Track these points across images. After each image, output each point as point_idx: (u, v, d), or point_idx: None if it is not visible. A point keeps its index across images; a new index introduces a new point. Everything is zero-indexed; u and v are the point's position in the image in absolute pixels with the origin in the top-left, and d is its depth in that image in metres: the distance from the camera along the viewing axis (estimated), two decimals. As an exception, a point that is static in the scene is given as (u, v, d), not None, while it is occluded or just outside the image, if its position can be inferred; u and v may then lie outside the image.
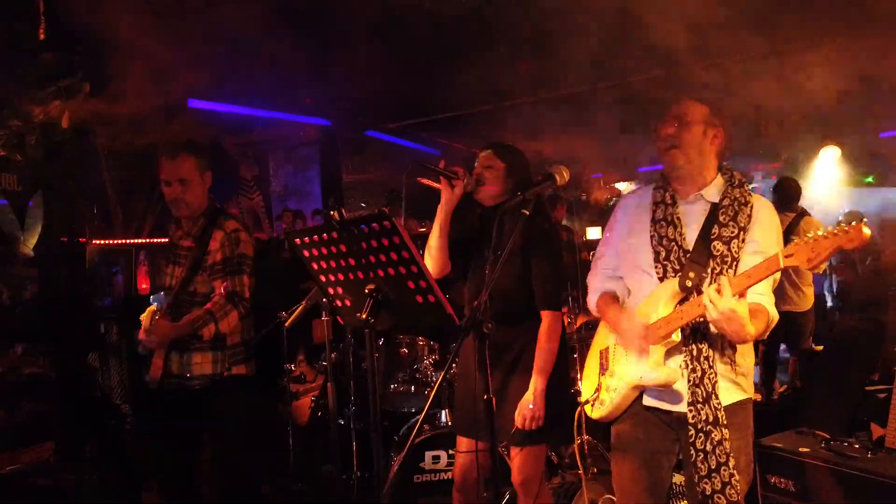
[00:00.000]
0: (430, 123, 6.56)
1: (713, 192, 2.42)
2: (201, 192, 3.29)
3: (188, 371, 3.19)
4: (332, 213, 2.29)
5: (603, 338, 2.67)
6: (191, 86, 4.81)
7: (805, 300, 6.03)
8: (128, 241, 5.96)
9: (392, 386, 4.25)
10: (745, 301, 2.09)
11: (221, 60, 4.59)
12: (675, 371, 2.32)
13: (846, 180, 10.13)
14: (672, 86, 6.10)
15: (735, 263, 2.29)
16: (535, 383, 2.91)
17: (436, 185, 3.04)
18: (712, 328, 2.30)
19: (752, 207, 2.35)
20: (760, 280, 2.09)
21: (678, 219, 2.43)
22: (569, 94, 5.57)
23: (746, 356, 2.41)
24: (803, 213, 5.96)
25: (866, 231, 1.88)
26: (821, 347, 5.76)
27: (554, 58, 5.24)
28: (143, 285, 6.28)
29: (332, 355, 4.87)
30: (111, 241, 5.86)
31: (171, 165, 3.20)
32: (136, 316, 3.40)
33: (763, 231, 2.34)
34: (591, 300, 2.67)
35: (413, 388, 4.25)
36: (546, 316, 2.98)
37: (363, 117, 6.44)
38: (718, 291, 2.06)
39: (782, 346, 6.61)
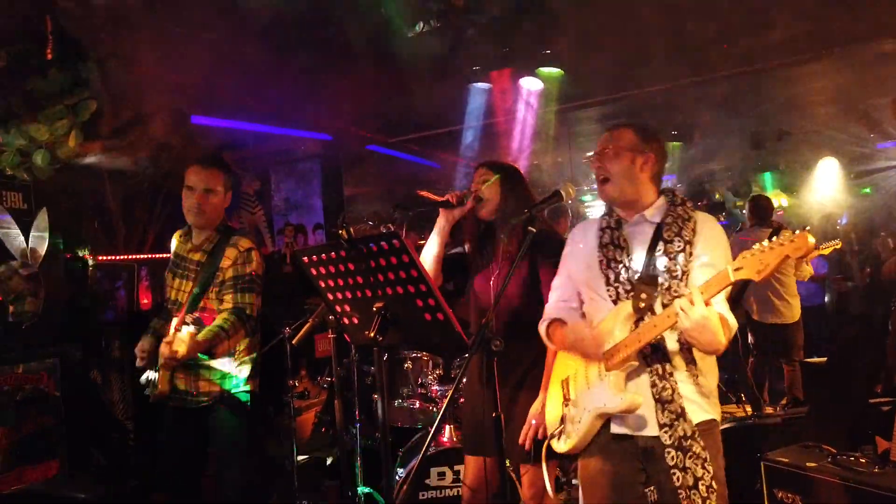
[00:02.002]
0: (430, 138, 6.60)
1: (655, 212, 2.45)
2: (220, 207, 3.29)
3: (195, 388, 3.19)
4: (340, 231, 2.31)
5: (563, 368, 2.62)
6: (193, 102, 4.83)
7: (792, 311, 6.11)
8: (130, 256, 5.96)
9: (396, 401, 4.25)
10: (713, 309, 2.11)
11: (222, 77, 4.61)
12: (637, 396, 2.28)
13: (844, 191, 10.20)
14: (670, 100, 6.15)
15: (685, 276, 2.31)
16: (543, 397, 2.91)
17: (439, 198, 3.08)
18: (672, 346, 2.31)
19: (694, 222, 2.39)
20: (714, 294, 2.10)
21: (625, 241, 2.45)
22: (564, 108, 5.61)
23: (709, 376, 2.38)
24: (779, 228, 6.05)
25: (811, 240, 1.93)
26: (823, 359, 5.77)
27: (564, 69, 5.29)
28: (145, 300, 6.29)
29: (337, 370, 4.90)
30: (114, 257, 5.87)
31: (203, 173, 3.21)
32: (137, 331, 3.41)
33: (708, 243, 2.36)
34: (541, 327, 2.64)
35: (417, 403, 4.25)
36: None
37: (364, 131, 6.47)
38: (690, 301, 2.06)
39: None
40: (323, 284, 2.52)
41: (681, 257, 2.33)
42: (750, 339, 6.67)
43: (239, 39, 4.49)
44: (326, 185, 7.12)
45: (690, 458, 2.22)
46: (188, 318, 3.04)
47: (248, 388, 3.27)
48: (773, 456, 3.37)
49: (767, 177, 11.09)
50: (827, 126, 8.27)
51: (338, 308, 2.55)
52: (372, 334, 2.35)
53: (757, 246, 2.02)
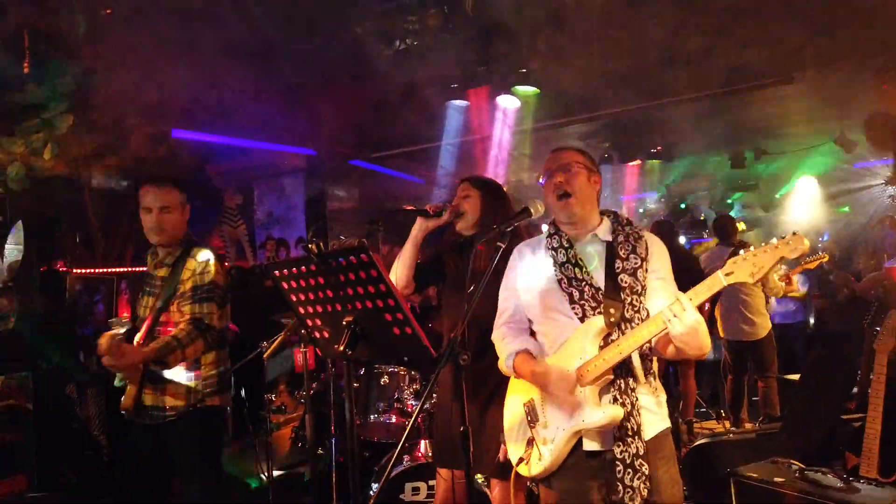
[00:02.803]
0: (413, 153, 6.64)
1: (605, 231, 2.52)
2: (180, 222, 3.33)
3: (161, 402, 3.18)
4: (310, 245, 2.33)
5: (525, 390, 2.58)
6: (174, 116, 4.85)
7: (757, 328, 6.21)
8: (109, 269, 5.93)
9: (372, 416, 4.24)
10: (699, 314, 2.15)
11: (204, 92, 4.64)
12: (618, 409, 2.29)
13: (822, 210, 10.36)
14: (650, 119, 6.25)
15: (643, 291, 2.38)
16: None
17: (419, 208, 3.13)
18: (634, 360, 2.36)
19: (646, 240, 2.48)
20: (703, 300, 2.15)
21: (581, 259, 2.48)
22: (543, 126, 5.69)
23: (660, 386, 2.46)
24: (742, 245, 6.15)
25: (806, 241, 1.98)
26: (797, 376, 5.82)
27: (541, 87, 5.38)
28: (124, 314, 6.25)
29: (313, 385, 4.89)
30: (93, 270, 5.84)
31: (156, 192, 3.26)
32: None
33: (660, 260, 2.46)
34: (507, 363, 2.57)
35: (393, 418, 4.24)
36: None
37: (347, 147, 6.51)
38: (682, 307, 2.10)
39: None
40: (294, 298, 2.54)
41: (639, 273, 2.39)
42: (725, 355, 6.75)
43: (222, 55, 4.52)
44: (309, 200, 7.13)
45: (639, 478, 2.25)
46: (116, 323, 3.02)
47: (215, 402, 3.25)
48: (743, 471, 3.39)
49: (738, 196, 11.26)
50: (804, 146, 8.42)
51: (309, 322, 2.57)
52: (341, 348, 2.37)
53: (751, 249, 2.06)
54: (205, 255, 3.26)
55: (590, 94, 4.94)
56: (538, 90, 5.00)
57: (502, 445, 2.88)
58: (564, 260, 2.48)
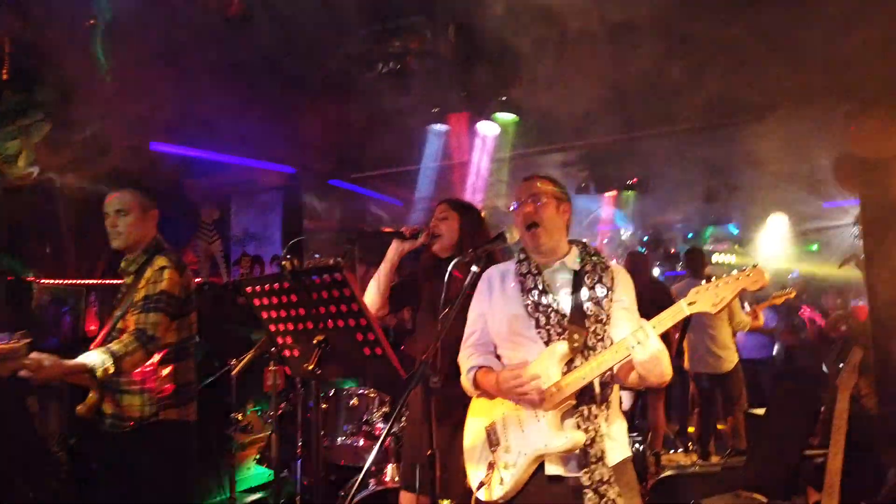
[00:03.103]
0: (393, 175, 6.68)
1: (573, 260, 2.58)
2: (140, 227, 3.25)
3: (120, 411, 3.11)
4: (284, 262, 2.34)
5: (486, 414, 2.60)
6: (152, 128, 4.83)
7: (723, 362, 6.30)
8: (78, 281, 5.83)
9: (339, 438, 4.19)
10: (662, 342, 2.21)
11: (186, 105, 4.64)
12: (581, 434, 2.33)
13: (792, 247, 10.58)
14: (626, 150, 6.36)
15: (608, 320, 2.44)
16: None
17: (396, 230, 3.15)
18: (597, 389, 2.39)
19: (612, 271, 2.55)
20: (666, 328, 2.21)
21: (548, 285, 2.53)
22: (522, 154, 5.78)
23: (621, 416, 2.50)
24: (708, 279, 6.23)
25: (767, 275, 2.06)
26: (763, 410, 5.89)
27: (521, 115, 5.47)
28: (92, 326, 6.13)
29: (282, 405, 4.83)
30: (61, 281, 5.74)
31: (114, 196, 3.23)
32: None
33: (625, 291, 2.53)
34: (468, 378, 2.60)
35: (361, 440, 4.20)
36: None
37: (328, 166, 6.52)
38: (646, 334, 2.14)
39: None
40: (266, 315, 2.54)
41: (604, 302, 2.45)
42: (693, 388, 6.83)
43: (205, 70, 4.53)
44: (287, 218, 7.11)
45: (606, 502, 2.27)
46: (16, 338, 2.88)
47: (172, 416, 3.17)
48: (706, 503, 3.41)
49: (711, 230, 11.46)
50: (776, 183, 8.61)
51: (279, 340, 2.56)
52: (311, 367, 2.36)
53: (712, 280, 2.13)
54: (161, 263, 3.16)
55: (569, 123, 5.03)
56: (517, 118, 5.08)
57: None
58: (532, 286, 2.53)
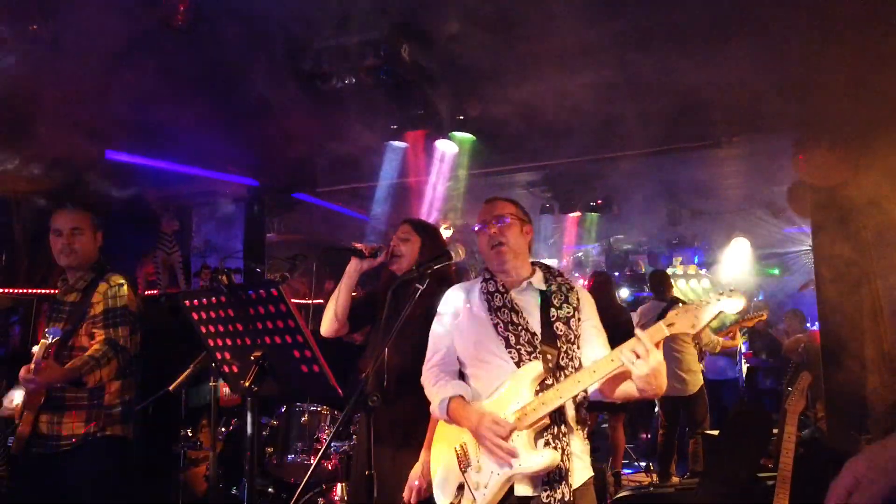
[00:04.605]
0: (358, 190, 6.66)
1: (539, 280, 2.60)
2: (92, 245, 3.33)
3: (57, 430, 3.07)
4: (221, 276, 2.30)
5: (456, 434, 2.54)
6: (107, 138, 4.76)
7: (688, 385, 6.35)
8: (28, 290, 5.69)
9: (289, 456, 4.12)
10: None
11: (140, 115, 4.58)
12: (555, 453, 2.30)
13: (754, 271, 10.77)
14: (590, 172, 6.43)
15: (577, 339, 2.46)
16: (424, 456, 2.89)
17: (351, 246, 3.13)
18: (569, 408, 2.40)
19: (577, 291, 2.58)
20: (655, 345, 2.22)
21: (517, 304, 2.54)
22: (481, 173, 5.81)
23: (584, 435, 2.51)
24: (675, 301, 6.34)
25: (744, 299, 2.11)
26: (716, 432, 5.94)
27: (483, 135, 5.51)
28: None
29: (234, 421, 4.74)
30: (11, 290, 5.59)
31: (68, 215, 3.27)
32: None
33: (590, 310, 2.57)
34: (440, 409, 2.51)
35: (313, 458, 4.13)
36: None
37: (291, 179, 6.48)
38: (646, 349, 2.14)
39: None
40: (204, 330, 2.48)
41: (572, 322, 2.47)
42: (658, 410, 6.86)
43: (165, 80, 4.48)
44: (249, 230, 7.04)
45: None
46: (48, 335, 2.94)
47: (117, 432, 3.15)
48: (655, 525, 3.41)
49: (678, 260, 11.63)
50: (737, 208, 8.77)
51: (218, 355, 2.51)
52: (247, 384, 2.31)
53: (691, 303, 2.17)
54: (118, 280, 3.26)
55: (528, 143, 5.08)
56: (474, 137, 5.11)
57: (408, 489, 2.84)
58: (500, 305, 2.54)
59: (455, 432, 2.54)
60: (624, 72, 4.43)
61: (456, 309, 2.66)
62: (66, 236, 3.24)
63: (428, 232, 3.26)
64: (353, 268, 3.15)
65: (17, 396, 3.18)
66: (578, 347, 2.44)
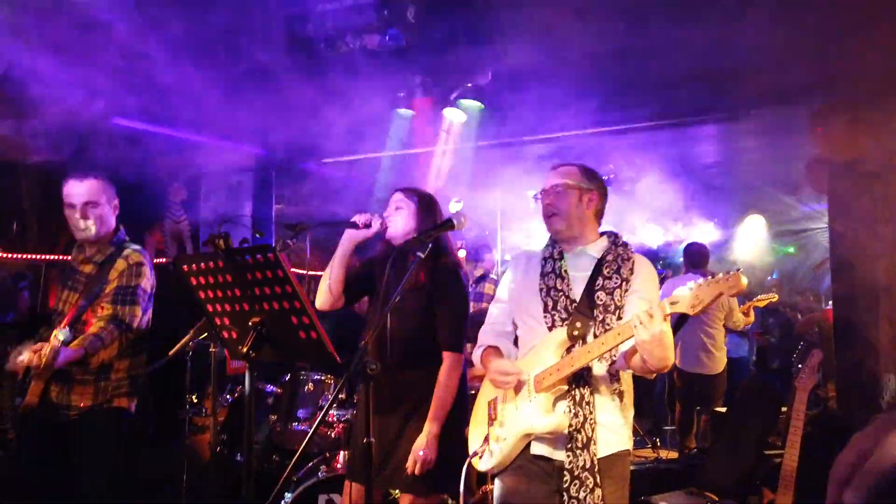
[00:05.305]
0: (365, 161, 6.58)
1: (597, 248, 2.59)
2: (109, 218, 3.24)
3: (66, 401, 3.07)
4: (217, 241, 2.26)
5: (491, 389, 2.69)
6: (114, 103, 4.71)
7: (716, 363, 6.25)
8: (37, 256, 5.71)
9: (293, 424, 4.13)
10: (668, 325, 2.16)
11: (148, 81, 4.52)
12: (564, 418, 2.38)
13: (769, 249, 10.59)
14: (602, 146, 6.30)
15: (618, 311, 2.43)
16: (429, 427, 2.89)
17: (347, 220, 3.09)
18: (599, 372, 2.41)
19: (633, 262, 2.54)
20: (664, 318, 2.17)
21: (566, 272, 2.57)
22: (490, 144, 5.71)
23: (628, 408, 2.49)
24: (713, 276, 6.19)
25: (744, 280, 2.04)
26: (724, 409, 5.90)
27: (492, 105, 5.40)
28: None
29: (238, 388, 4.76)
30: (18, 255, 5.61)
31: (78, 186, 3.16)
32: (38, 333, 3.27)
33: (644, 282, 2.51)
34: (476, 354, 2.73)
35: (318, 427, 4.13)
36: (447, 358, 2.98)
37: (299, 149, 6.41)
38: (649, 315, 2.10)
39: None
40: (203, 295, 2.45)
41: (617, 293, 2.45)
42: (676, 384, 6.79)
43: (168, 45, 4.41)
44: (257, 200, 7.02)
45: (584, 490, 2.30)
46: (60, 330, 2.91)
47: (123, 404, 3.16)
48: (656, 500, 3.39)
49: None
50: (753, 184, 8.61)
51: (217, 321, 2.48)
52: (245, 349, 2.29)
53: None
54: (137, 258, 3.19)
55: (537, 114, 4.96)
56: (482, 105, 4.99)
57: (411, 460, 2.84)
58: (550, 270, 2.59)
59: (491, 388, 2.68)
60: (639, 40, 4.30)
61: (517, 269, 2.73)
62: (80, 210, 3.15)
63: (422, 199, 3.19)
64: (347, 239, 3.11)
65: (25, 354, 3.16)
66: (619, 318, 2.41)
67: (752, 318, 6.71)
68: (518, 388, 2.48)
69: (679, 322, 5.69)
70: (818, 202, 8.07)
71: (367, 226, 3.08)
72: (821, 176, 4.94)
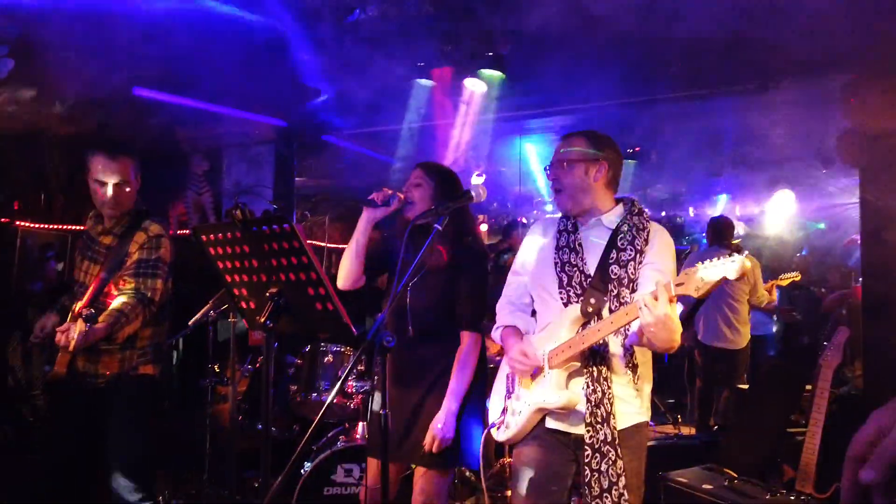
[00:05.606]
0: (387, 133, 6.53)
1: (612, 218, 2.51)
2: (134, 194, 3.24)
3: (94, 370, 3.13)
4: (235, 211, 2.25)
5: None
6: (136, 75, 4.71)
7: (740, 338, 6.15)
8: (63, 226, 5.80)
9: (313, 395, 4.17)
10: (675, 308, 2.12)
11: (169, 52, 4.51)
12: (576, 394, 2.37)
13: (798, 224, 10.36)
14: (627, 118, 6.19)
15: (632, 284, 2.36)
16: (447, 404, 2.89)
17: (365, 198, 3.06)
18: (614, 349, 2.39)
19: (648, 232, 2.45)
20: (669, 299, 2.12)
21: (580, 245, 2.51)
22: (531, 114, 5.61)
23: (646, 381, 2.46)
24: (738, 250, 6.06)
25: (747, 263, 1.98)
26: (746, 386, 5.83)
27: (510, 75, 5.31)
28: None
29: (260, 359, 4.80)
30: (44, 226, 5.70)
31: (113, 165, 3.12)
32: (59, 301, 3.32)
33: (660, 253, 2.43)
34: (495, 334, 2.72)
35: (336, 398, 4.17)
36: (465, 336, 2.97)
37: (321, 121, 6.38)
38: (654, 297, 2.06)
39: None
40: (221, 265, 2.46)
41: (631, 266, 2.38)
42: (697, 360, 6.72)
43: (191, 18, 4.40)
44: (278, 172, 7.02)
45: (606, 462, 2.31)
46: (83, 311, 2.92)
47: (148, 371, 3.21)
48: (674, 475, 3.37)
49: (723, 198, 11.23)
50: (783, 158, 8.40)
51: (235, 291, 2.49)
52: (263, 320, 2.30)
53: (699, 263, 2.05)
54: (157, 230, 3.20)
55: (561, 86, 4.86)
56: (503, 75, 4.89)
57: (429, 437, 2.85)
58: (565, 244, 2.53)
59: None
60: (671, 8, 4.17)
61: (532, 243, 2.68)
62: (111, 189, 3.11)
63: (442, 175, 3.13)
64: (366, 218, 3.06)
65: (49, 323, 3.22)
66: (633, 291, 2.35)
67: (774, 295, 6.57)
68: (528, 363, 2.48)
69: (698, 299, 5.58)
70: (848, 177, 7.84)
71: (386, 203, 3.04)
72: (853, 148, 4.79)
